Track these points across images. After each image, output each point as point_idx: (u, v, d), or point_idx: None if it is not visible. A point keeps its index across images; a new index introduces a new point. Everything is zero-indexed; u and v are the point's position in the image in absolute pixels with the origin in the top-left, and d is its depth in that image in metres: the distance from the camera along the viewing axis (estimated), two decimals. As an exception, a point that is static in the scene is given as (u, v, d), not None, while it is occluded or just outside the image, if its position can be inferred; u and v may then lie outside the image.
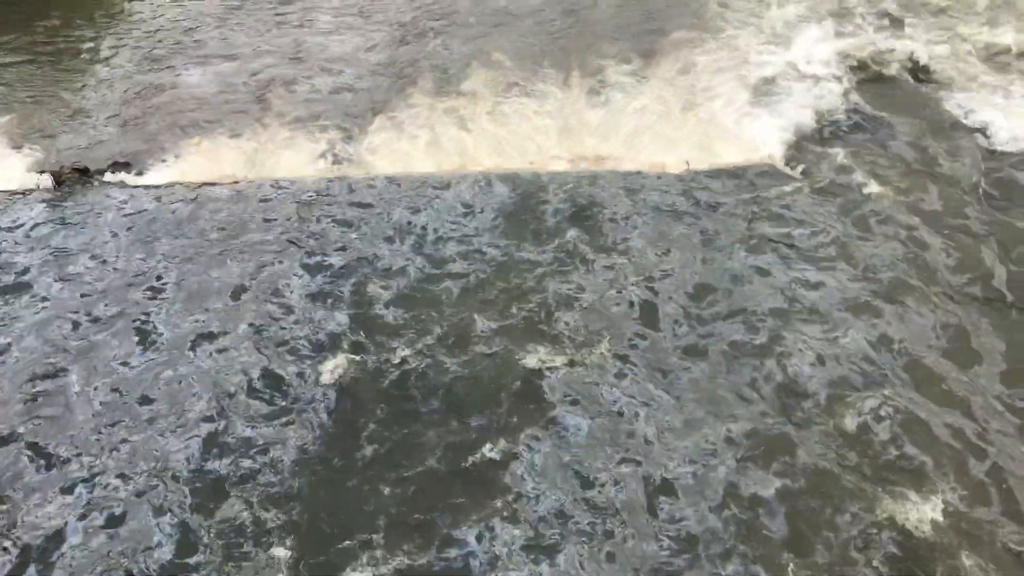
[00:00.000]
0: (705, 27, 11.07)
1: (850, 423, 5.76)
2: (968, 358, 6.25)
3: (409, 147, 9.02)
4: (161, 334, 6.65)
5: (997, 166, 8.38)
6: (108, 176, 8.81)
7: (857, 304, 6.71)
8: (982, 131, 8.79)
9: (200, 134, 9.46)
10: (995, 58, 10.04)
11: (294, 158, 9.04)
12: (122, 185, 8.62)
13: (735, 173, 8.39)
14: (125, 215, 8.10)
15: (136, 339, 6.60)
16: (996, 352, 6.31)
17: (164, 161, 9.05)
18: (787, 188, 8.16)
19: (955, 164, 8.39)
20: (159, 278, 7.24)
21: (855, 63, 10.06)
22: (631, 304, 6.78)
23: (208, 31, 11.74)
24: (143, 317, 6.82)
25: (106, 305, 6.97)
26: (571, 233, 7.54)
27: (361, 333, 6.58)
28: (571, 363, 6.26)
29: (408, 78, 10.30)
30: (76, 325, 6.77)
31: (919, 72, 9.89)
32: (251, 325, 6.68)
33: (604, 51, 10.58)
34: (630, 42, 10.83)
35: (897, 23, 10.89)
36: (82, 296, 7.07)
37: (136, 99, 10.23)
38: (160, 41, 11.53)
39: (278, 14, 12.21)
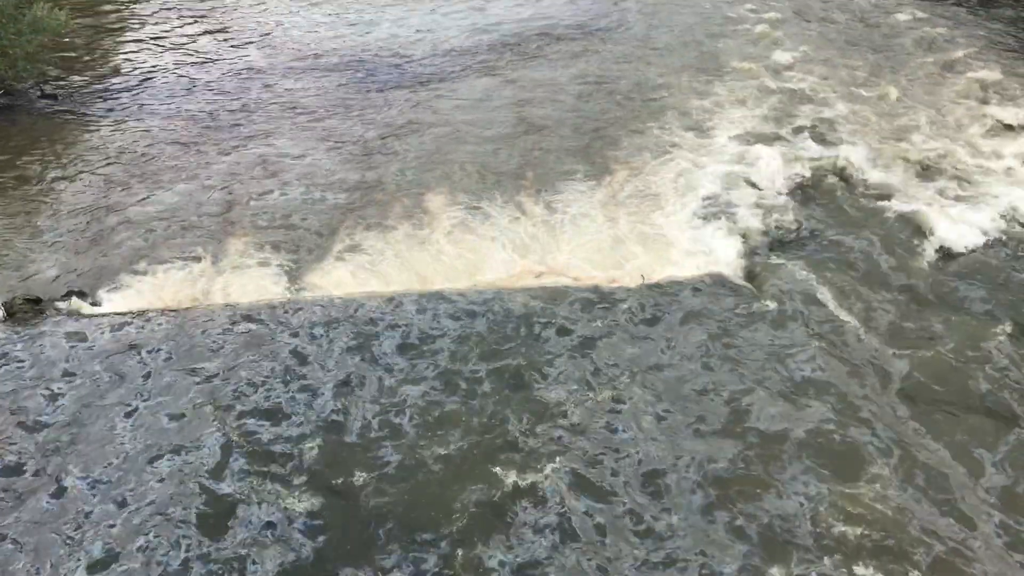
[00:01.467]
0: (657, 140, 11.51)
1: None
2: (914, 464, 6.32)
3: (367, 267, 9.09)
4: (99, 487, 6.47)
5: (942, 272, 8.67)
6: (62, 305, 8.70)
7: (813, 410, 6.78)
8: (926, 238, 9.15)
9: (159, 259, 9.43)
10: (933, 169, 10.58)
11: (255, 280, 9.02)
12: (76, 315, 8.50)
13: (688, 285, 8.55)
14: (74, 348, 7.95)
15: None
16: (946, 458, 6.38)
17: (121, 288, 8.97)
18: (739, 300, 8.31)
19: (902, 271, 8.71)
20: (113, 409, 7.08)
21: (800, 176, 10.51)
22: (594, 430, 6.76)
23: (169, 153, 11.89)
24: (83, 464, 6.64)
25: (57, 431, 6.79)
26: (524, 353, 7.56)
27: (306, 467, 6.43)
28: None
29: (370, 195, 10.46)
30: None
31: (862, 183, 10.33)
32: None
33: (558, 166, 10.90)
34: (583, 156, 11.20)
35: (840, 137, 11.44)
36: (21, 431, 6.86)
37: (94, 224, 10.22)
38: (120, 165, 11.62)
39: (240, 135, 12.44)
